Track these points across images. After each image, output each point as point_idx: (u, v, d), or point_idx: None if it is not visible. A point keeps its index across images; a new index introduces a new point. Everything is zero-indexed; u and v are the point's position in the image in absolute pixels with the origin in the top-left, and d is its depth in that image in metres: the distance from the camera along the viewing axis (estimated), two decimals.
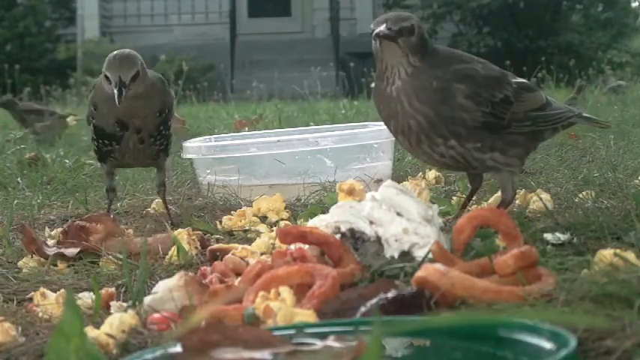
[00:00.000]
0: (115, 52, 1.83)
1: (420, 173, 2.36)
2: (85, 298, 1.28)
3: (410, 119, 1.49)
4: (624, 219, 1.52)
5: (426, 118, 1.47)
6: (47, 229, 1.88)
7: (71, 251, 1.59)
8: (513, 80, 1.56)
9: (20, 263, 1.60)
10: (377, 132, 2.43)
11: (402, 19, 1.50)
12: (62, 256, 1.59)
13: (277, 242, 1.39)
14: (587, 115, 1.77)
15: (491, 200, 1.84)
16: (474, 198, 1.95)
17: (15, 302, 1.34)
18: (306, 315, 1.07)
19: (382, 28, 1.48)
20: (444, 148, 1.49)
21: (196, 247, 1.60)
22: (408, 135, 1.51)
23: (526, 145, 1.57)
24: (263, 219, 1.90)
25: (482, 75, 1.51)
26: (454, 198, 1.93)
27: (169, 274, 1.39)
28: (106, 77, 1.79)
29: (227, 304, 1.12)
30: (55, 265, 1.57)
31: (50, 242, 1.70)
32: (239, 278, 1.29)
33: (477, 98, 1.48)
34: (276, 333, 0.95)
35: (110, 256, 1.57)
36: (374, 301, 1.09)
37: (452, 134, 1.47)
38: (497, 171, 1.55)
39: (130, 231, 1.75)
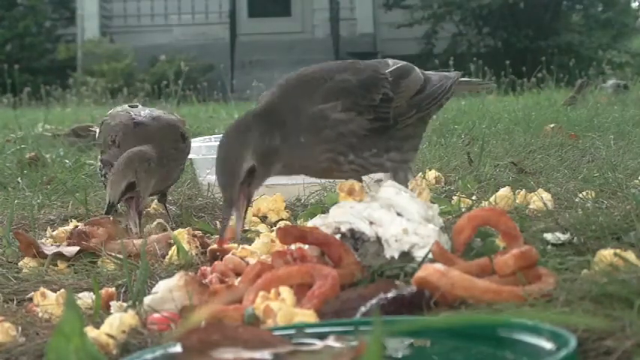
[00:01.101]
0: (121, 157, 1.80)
1: (420, 173, 2.36)
2: (85, 298, 1.28)
3: (322, 162, 1.46)
4: (624, 219, 1.52)
5: (326, 151, 1.44)
6: (48, 228, 1.88)
7: (70, 250, 1.59)
8: (387, 70, 1.50)
9: (20, 263, 1.60)
10: None
11: (232, 177, 1.37)
12: (62, 256, 1.59)
13: (277, 242, 1.39)
14: (466, 78, 1.70)
15: (492, 199, 1.84)
16: (473, 197, 1.95)
17: (15, 302, 1.34)
18: (306, 315, 1.07)
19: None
20: (347, 164, 1.46)
21: (196, 247, 1.60)
22: (324, 172, 1.50)
23: (417, 133, 1.54)
24: (263, 219, 1.90)
25: (355, 83, 1.46)
26: (454, 198, 1.92)
27: (169, 274, 1.39)
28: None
29: (227, 304, 1.12)
30: (55, 265, 1.57)
31: (49, 242, 1.71)
32: (239, 278, 1.29)
33: (357, 108, 1.44)
34: (276, 333, 0.95)
35: (109, 257, 1.57)
36: (374, 301, 1.09)
37: (348, 148, 1.44)
38: (394, 171, 1.53)
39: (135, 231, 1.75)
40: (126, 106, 2.10)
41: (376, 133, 1.45)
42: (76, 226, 1.71)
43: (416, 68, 1.54)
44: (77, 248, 1.60)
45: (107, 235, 1.64)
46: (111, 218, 1.74)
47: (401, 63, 1.53)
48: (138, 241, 1.61)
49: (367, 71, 1.48)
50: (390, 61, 1.54)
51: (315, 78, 1.46)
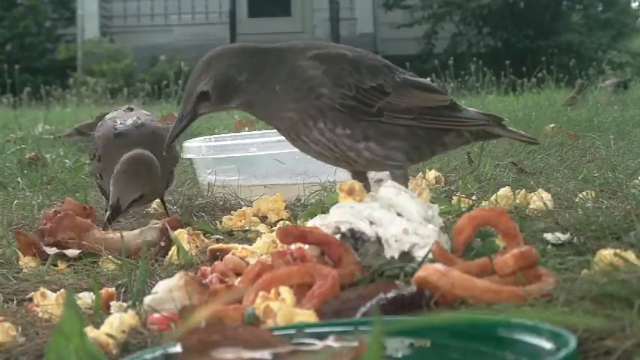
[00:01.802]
0: (129, 157, 1.80)
1: (420, 173, 2.36)
2: (85, 298, 1.28)
3: (287, 114, 1.47)
4: (624, 219, 1.52)
5: (293, 104, 1.46)
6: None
7: (72, 251, 1.59)
8: (403, 76, 1.53)
9: (20, 263, 1.60)
10: None
11: (188, 94, 1.49)
12: (62, 256, 1.59)
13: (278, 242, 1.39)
14: (507, 127, 1.68)
15: (492, 198, 1.84)
16: (473, 197, 1.95)
17: (15, 302, 1.34)
18: (306, 315, 1.07)
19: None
20: (317, 132, 1.46)
21: (197, 247, 1.60)
22: (290, 130, 1.50)
23: (414, 141, 1.52)
24: (263, 219, 1.90)
25: (349, 58, 1.50)
26: (454, 198, 1.92)
27: (169, 274, 1.39)
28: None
29: (227, 304, 1.12)
30: (55, 265, 1.57)
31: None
32: (239, 278, 1.29)
33: (337, 79, 1.46)
34: (276, 333, 0.95)
35: (110, 256, 1.57)
36: (374, 301, 1.09)
37: (317, 112, 1.45)
38: (388, 168, 1.53)
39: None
40: (121, 110, 2.10)
41: (352, 113, 1.46)
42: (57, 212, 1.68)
43: (447, 95, 1.59)
44: (79, 249, 1.60)
45: (77, 229, 1.63)
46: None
47: (425, 81, 1.58)
48: (115, 235, 1.61)
49: (373, 60, 1.53)
50: (422, 79, 1.58)
51: (317, 45, 1.52)
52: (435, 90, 1.58)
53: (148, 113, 2.07)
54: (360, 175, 1.59)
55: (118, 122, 1.96)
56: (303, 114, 1.45)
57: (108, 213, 1.76)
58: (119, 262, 1.53)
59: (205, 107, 1.48)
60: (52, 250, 1.60)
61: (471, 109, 1.63)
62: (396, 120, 1.49)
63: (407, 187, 1.52)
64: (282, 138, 1.56)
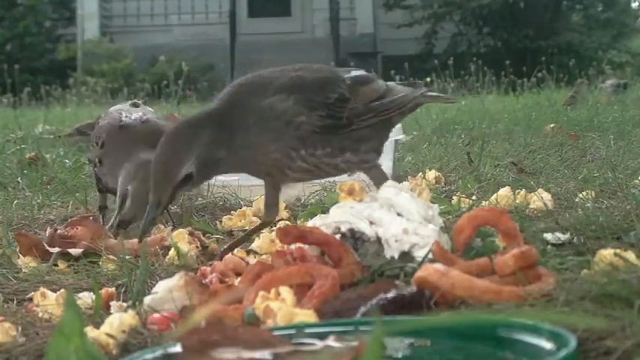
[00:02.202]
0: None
1: (420, 173, 2.36)
2: (85, 298, 1.28)
3: (269, 157, 1.42)
4: (624, 219, 1.52)
5: (273, 143, 1.41)
6: (48, 228, 1.88)
7: (76, 250, 1.60)
8: (347, 76, 1.51)
9: (21, 262, 1.60)
10: None
11: (163, 181, 1.38)
12: (64, 255, 1.59)
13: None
14: (432, 93, 1.70)
15: (492, 198, 1.84)
16: (473, 197, 1.96)
17: (15, 302, 1.34)
18: (306, 315, 1.07)
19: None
20: (300, 161, 1.43)
21: (197, 247, 1.60)
22: (272, 169, 1.45)
23: (377, 136, 1.52)
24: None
25: (310, 80, 1.46)
26: (454, 198, 1.93)
27: (169, 274, 1.39)
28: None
29: (227, 304, 1.12)
30: (56, 265, 1.57)
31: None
32: (239, 278, 1.29)
33: (310, 103, 1.43)
34: (276, 333, 0.95)
35: (110, 256, 1.57)
36: (374, 301, 1.09)
37: (299, 142, 1.42)
38: (365, 171, 1.52)
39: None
40: (127, 104, 2.09)
41: (329, 131, 1.44)
42: (55, 230, 1.69)
43: (378, 80, 1.56)
44: (82, 248, 1.60)
45: (90, 234, 1.64)
46: (91, 218, 1.72)
47: (362, 72, 1.55)
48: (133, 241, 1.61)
49: (324, 72, 1.50)
50: (353, 70, 1.55)
51: (268, 77, 1.46)
52: (370, 79, 1.55)
53: (152, 110, 2.07)
54: (275, 194, 1.55)
55: (124, 115, 1.95)
56: (286, 149, 1.42)
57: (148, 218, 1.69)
58: (120, 262, 1.53)
59: (185, 189, 1.41)
60: (54, 250, 1.60)
61: (393, 83, 1.60)
62: (362, 123, 1.48)
63: (384, 177, 1.52)
64: None
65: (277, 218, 1.90)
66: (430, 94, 1.67)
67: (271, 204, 1.54)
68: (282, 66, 1.53)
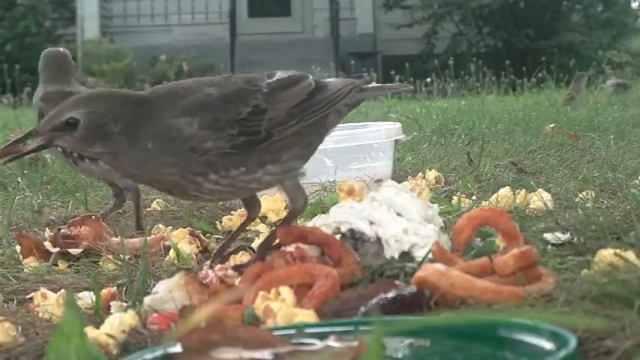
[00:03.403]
0: None
1: (420, 173, 2.36)
2: (86, 298, 1.28)
3: (165, 177, 1.34)
4: (624, 219, 1.52)
5: (172, 166, 1.32)
6: (47, 229, 1.88)
7: (76, 250, 1.60)
8: (266, 82, 1.41)
9: (24, 261, 1.60)
10: (377, 132, 2.43)
11: (55, 114, 1.31)
12: (64, 255, 1.59)
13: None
14: (374, 84, 1.58)
15: (492, 198, 1.84)
16: (473, 197, 1.96)
17: (15, 302, 1.34)
18: (306, 315, 1.07)
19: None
20: (210, 184, 1.34)
21: (197, 247, 1.60)
22: (173, 189, 1.37)
23: (304, 141, 1.42)
24: (263, 219, 1.90)
25: (217, 97, 1.36)
26: (454, 198, 1.93)
27: (169, 274, 1.39)
28: None
29: (227, 304, 1.12)
30: (56, 265, 1.57)
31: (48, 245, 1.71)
32: (239, 278, 1.29)
33: (216, 124, 1.33)
34: (276, 333, 0.95)
35: (110, 256, 1.57)
36: (374, 301, 1.09)
37: (205, 167, 1.33)
38: (279, 182, 1.43)
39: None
40: None
41: (244, 148, 1.34)
42: (59, 229, 1.69)
43: (308, 77, 1.45)
44: (82, 248, 1.60)
45: (93, 234, 1.64)
46: (93, 217, 1.73)
47: (288, 74, 1.45)
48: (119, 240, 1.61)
49: (237, 84, 1.40)
50: (279, 72, 1.45)
51: (182, 89, 1.38)
52: (297, 79, 1.44)
53: None
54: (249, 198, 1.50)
55: None
56: (188, 174, 1.32)
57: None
58: (120, 262, 1.53)
59: (64, 140, 1.31)
60: (54, 249, 1.60)
61: (332, 79, 1.50)
62: (284, 132, 1.38)
63: (304, 196, 1.43)
64: None
65: (277, 218, 1.90)
66: (372, 85, 1.56)
67: (247, 203, 1.49)
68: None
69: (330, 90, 1.44)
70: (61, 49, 2.17)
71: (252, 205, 1.49)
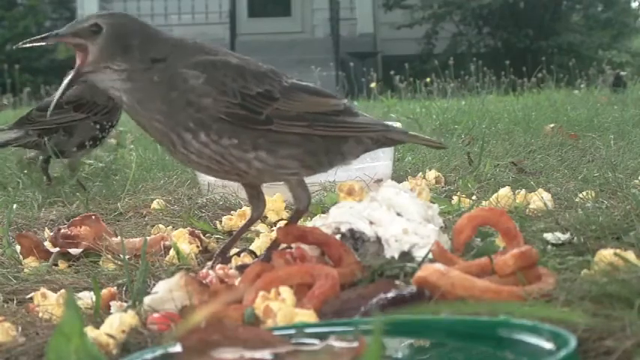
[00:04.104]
0: None
1: (420, 173, 2.36)
2: (86, 298, 1.28)
3: (153, 122, 1.35)
4: (624, 219, 1.52)
5: (162, 114, 1.34)
6: (46, 229, 1.88)
7: (76, 250, 1.60)
8: (292, 80, 1.43)
9: (22, 262, 1.60)
10: None
11: (80, 21, 1.38)
12: (64, 255, 1.59)
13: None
14: (413, 133, 1.58)
15: (492, 198, 1.84)
16: (473, 197, 1.95)
17: (15, 302, 1.34)
18: (306, 315, 1.07)
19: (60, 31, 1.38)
20: (198, 144, 1.35)
21: (197, 247, 1.60)
22: (163, 139, 1.38)
23: (305, 146, 1.40)
24: (263, 219, 1.90)
25: (233, 64, 1.38)
26: (454, 198, 1.93)
27: (169, 274, 1.39)
28: None
29: (227, 304, 1.12)
30: (56, 265, 1.57)
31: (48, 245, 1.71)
32: (239, 278, 1.29)
33: (221, 87, 1.34)
34: (276, 333, 0.95)
35: (110, 256, 1.57)
36: (374, 301, 1.09)
37: (197, 125, 1.33)
38: (285, 181, 1.43)
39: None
40: None
41: (240, 122, 1.35)
42: (59, 229, 1.69)
43: (340, 100, 1.46)
44: (82, 248, 1.60)
45: (93, 234, 1.64)
46: (93, 217, 1.72)
47: (323, 89, 1.48)
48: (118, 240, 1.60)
49: (261, 68, 1.42)
50: (311, 85, 1.47)
51: (209, 48, 1.41)
52: (327, 94, 1.46)
53: None
54: (254, 190, 1.49)
55: None
56: (177, 127, 1.34)
57: None
58: (120, 262, 1.53)
59: (89, 52, 1.35)
60: (54, 249, 1.60)
61: (368, 115, 1.51)
62: (287, 128, 1.38)
63: (307, 196, 1.43)
64: None
65: (277, 218, 1.90)
66: (411, 133, 1.56)
67: (252, 199, 1.49)
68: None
69: (358, 119, 1.45)
70: None
71: (257, 203, 1.49)
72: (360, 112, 1.48)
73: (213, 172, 1.42)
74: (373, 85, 9.14)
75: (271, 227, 1.79)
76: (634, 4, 16.65)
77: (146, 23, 1.41)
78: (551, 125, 3.73)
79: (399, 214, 1.36)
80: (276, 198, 1.96)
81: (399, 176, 2.43)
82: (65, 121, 2.65)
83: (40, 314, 1.24)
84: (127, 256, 1.44)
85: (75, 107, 2.66)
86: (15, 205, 2.17)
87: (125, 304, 1.23)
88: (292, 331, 0.97)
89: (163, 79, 1.34)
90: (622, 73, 7.31)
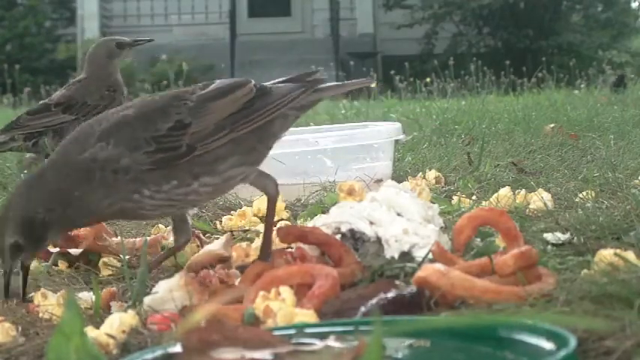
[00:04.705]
0: None
1: (420, 173, 2.36)
2: (86, 298, 1.28)
3: (114, 209, 1.34)
4: (624, 219, 1.52)
5: (109, 198, 1.33)
6: None
7: (76, 250, 1.60)
8: (196, 95, 1.39)
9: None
10: (377, 132, 2.43)
11: None
12: (64, 255, 1.59)
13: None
14: (331, 83, 1.52)
15: (492, 198, 1.84)
16: (473, 197, 1.96)
17: (15, 302, 1.34)
18: (306, 315, 1.07)
19: None
20: (148, 200, 1.33)
21: (197, 246, 1.60)
22: (122, 215, 1.39)
23: (245, 148, 1.39)
24: (263, 219, 1.90)
25: (134, 116, 1.35)
26: (454, 198, 1.93)
27: (169, 274, 1.39)
28: None
29: (227, 304, 1.12)
30: (56, 265, 1.57)
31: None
32: (239, 278, 1.29)
33: (132, 143, 1.31)
34: (276, 333, 0.95)
35: (109, 259, 1.57)
36: (374, 301, 1.09)
37: (137, 184, 1.32)
38: (242, 183, 1.42)
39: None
40: None
41: (165, 164, 1.32)
42: None
43: (247, 85, 1.41)
44: (82, 248, 1.60)
45: (93, 234, 1.64)
46: None
47: (225, 83, 1.43)
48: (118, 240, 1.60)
49: (161, 101, 1.39)
50: (218, 81, 1.44)
51: (93, 125, 1.38)
52: (235, 86, 1.41)
53: None
54: (178, 218, 1.46)
55: None
56: (127, 196, 1.32)
57: None
58: (119, 261, 1.53)
59: (26, 258, 1.34)
60: (54, 249, 1.60)
61: (280, 83, 1.45)
62: (211, 145, 1.35)
63: (271, 180, 1.43)
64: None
65: (277, 218, 1.90)
66: (327, 84, 1.49)
67: (177, 229, 1.47)
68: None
69: (274, 96, 1.41)
70: None
71: (180, 232, 1.46)
72: (274, 86, 1.43)
73: (171, 213, 1.43)
74: (373, 85, 9.15)
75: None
76: (634, 4, 16.65)
77: (41, 174, 1.37)
78: (551, 125, 3.73)
79: (399, 214, 1.36)
80: None
81: (399, 176, 2.43)
82: (54, 124, 2.66)
83: (40, 314, 1.24)
84: (126, 256, 1.44)
85: (64, 109, 2.67)
86: None
87: (125, 304, 1.23)
88: (292, 331, 0.97)
89: (77, 182, 1.32)
90: (625, 74, 7.31)
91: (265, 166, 2.17)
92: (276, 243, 1.40)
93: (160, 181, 1.32)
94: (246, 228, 1.83)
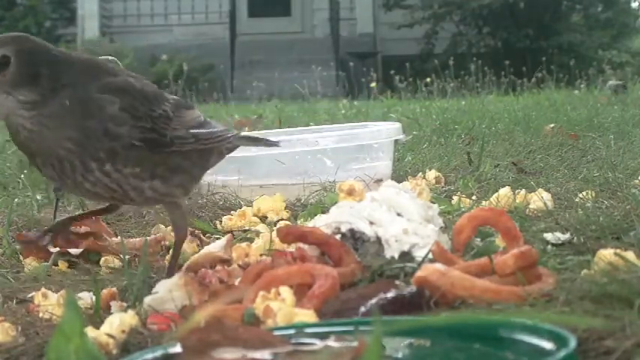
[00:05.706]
0: None
1: (420, 173, 2.36)
2: (86, 298, 1.28)
3: (59, 150, 1.28)
4: (624, 219, 1.52)
5: (73, 141, 1.27)
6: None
7: (76, 250, 1.60)
8: (170, 97, 1.40)
9: (23, 262, 1.60)
10: (377, 132, 2.43)
11: None
12: (64, 255, 1.59)
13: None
14: (249, 135, 1.60)
15: (492, 198, 1.84)
16: (473, 197, 1.96)
17: (15, 302, 1.34)
18: (306, 315, 1.07)
19: None
20: (99, 173, 1.29)
21: (197, 246, 1.61)
22: (56, 166, 1.30)
23: (191, 170, 1.39)
24: (263, 219, 1.90)
25: (138, 88, 1.34)
26: (454, 198, 1.93)
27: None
28: None
29: (227, 304, 1.12)
30: (56, 265, 1.57)
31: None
32: (239, 278, 1.29)
33: (135, 112, 1.30)
34: (276, 333, 0.95)
35: (109, 259, 1.57)
36: (374, 301, 1.09)
37: (108, 154, 1.28)
38: (166, 205, 1.41)
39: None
40: None
41: (147, 147, 1.31)
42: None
43: (197, 110, 1.45)
44: (82, 248, 1.60)
45: (92, 235, 1.64)
46: (93, 218, 1.72)
47: (181, 100, 1.45)
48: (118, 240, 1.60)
49: (152, 87, 1.39)
50: (174, 96, 1.45)
51: (105, 65, 1.36)
52: (189, 105, 1.44)
53: None
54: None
55: None
56: (87, 154, 1.27)
57: None
58: (120, 263, 1.53)
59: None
60: (54, 249, 1.60)
61: (209, 119, 1.49)
62: (183, 147, 1.35)
63: (185, 224, 1.43)
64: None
65: (277, 218, 1.90)
66: (248, 135, 1.56)
67: (176, 223, 1.44)
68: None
69: (213, 127, 1.44)
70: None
71: (178, 228, 1.43)
72: (207, 119, 1.46)
73: (98, 197, 1.39)
74: (373, 85, 9.16)
75: (271, 227, 1.79)
76: (634, 4, 16.65)
77: (51, 47, 1.32)
78: (551, 125, 3.74)
79: (399, 214, 1.36)
80: (276, 198, 1.96)
81: (399, 176, 2.43)
82: None
83: (40, 314, 1.23)
84: (126, 256, 1.44)
85: None
86: (16, 200, 2.17)
87: (125, 304, 1.23)
88: (292, 331, 0.97)
89: (75, 105, 1.27)
90: (625, 83, 7.31)
91: (265, 166, 2.18)
92: (277, 243, 1.40)
93: (129, 162, 1.30)
94: (246, 228, 1.83)
